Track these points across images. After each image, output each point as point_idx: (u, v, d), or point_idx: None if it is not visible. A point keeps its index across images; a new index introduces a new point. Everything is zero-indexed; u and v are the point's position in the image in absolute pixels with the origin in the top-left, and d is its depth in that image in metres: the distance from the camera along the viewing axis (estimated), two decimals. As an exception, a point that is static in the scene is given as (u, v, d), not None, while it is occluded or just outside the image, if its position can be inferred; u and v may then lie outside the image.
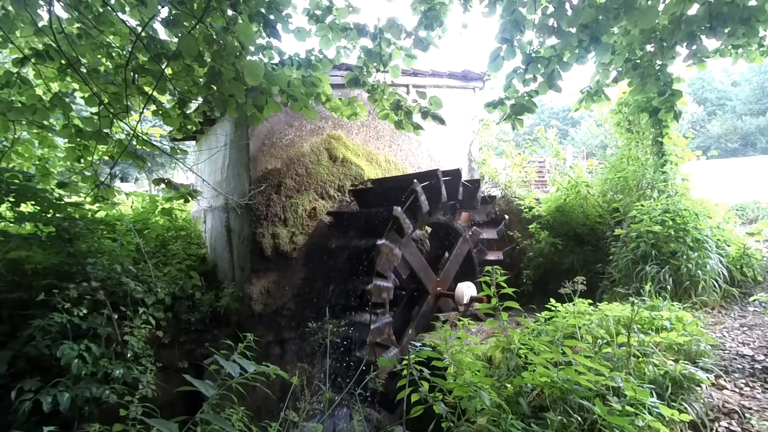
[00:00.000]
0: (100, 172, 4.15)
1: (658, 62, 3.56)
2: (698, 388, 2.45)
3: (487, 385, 2.19)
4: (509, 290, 2.67)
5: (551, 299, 3.47)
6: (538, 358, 2.23)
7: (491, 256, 5.89)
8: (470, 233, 5.63)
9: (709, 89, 40.52)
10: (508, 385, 2.35)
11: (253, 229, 5.12)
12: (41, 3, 3.20)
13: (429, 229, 6.42)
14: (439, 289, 5.33)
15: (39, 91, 3.78)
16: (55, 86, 3.95)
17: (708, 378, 2.53)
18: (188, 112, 3.89)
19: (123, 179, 22.23)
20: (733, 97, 39.04)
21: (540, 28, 3.02)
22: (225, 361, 1.72)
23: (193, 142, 8.67)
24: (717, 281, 4.16)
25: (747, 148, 33.59)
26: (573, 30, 3.08)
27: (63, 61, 3.38)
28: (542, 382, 2.25)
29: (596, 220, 5.80)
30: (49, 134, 4.19)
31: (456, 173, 5.14)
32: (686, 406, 2.32)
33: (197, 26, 2.89)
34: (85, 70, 3.48)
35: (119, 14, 3.40)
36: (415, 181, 4.65)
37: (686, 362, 2.60)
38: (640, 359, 2.52)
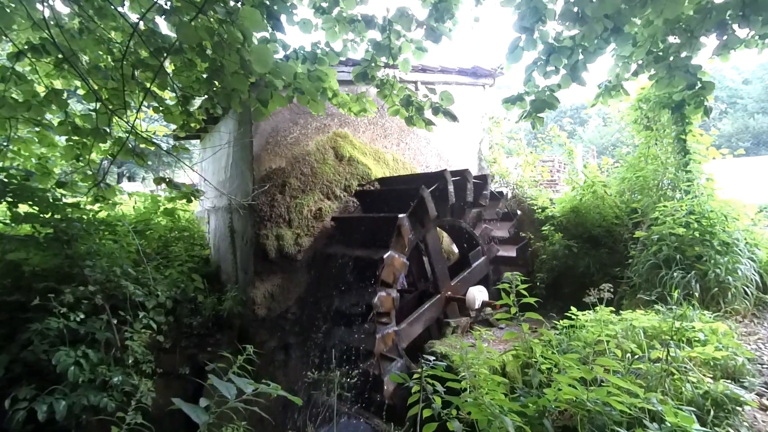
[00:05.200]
0: (99, 170, 4.01)
1: (684, 54, 3.33)
2: (740, 409, 2.23)
3: (507, 406, 1.99)
4: (531, 300, 2.47)
5: (565, 303, 3.27)
6: (564, 378, 2.02)
7: (497, 232, 5.66)
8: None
9: (720, 87, 39.72)
10: (530, 405, 2.15)
11: (256, 231, 4.96)
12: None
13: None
14: (448, 293, 5.13)
15: (40, 88, 3.65)
16: (58, 83, 3.82)
17: (753, 399, 2.31)
18: (191, 109, 3.75)
19: (130, 178, 22.32)
20: (745, 96, 38.27)
21: (562, 15, 2.81)
22: (220, 381, 1.55)
23: (197, 141, 8.55)
24: (748, 287, 3.92)
25: (759, 147, 32.84)
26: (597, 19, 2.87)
27: (59, 56, 3.24)
28: (568, 403, 2.05)
29: (613, 222, 5.56)
30: (48, 132, 4.07)
31: (440, 175, 4.82)
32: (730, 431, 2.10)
33: (198, 17, 2.73)
34: (84, 66, 3.34)
35: (119, 9, 3.24)
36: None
37: (727, 380, 2.38)
38: (676, 377, 2.30)
